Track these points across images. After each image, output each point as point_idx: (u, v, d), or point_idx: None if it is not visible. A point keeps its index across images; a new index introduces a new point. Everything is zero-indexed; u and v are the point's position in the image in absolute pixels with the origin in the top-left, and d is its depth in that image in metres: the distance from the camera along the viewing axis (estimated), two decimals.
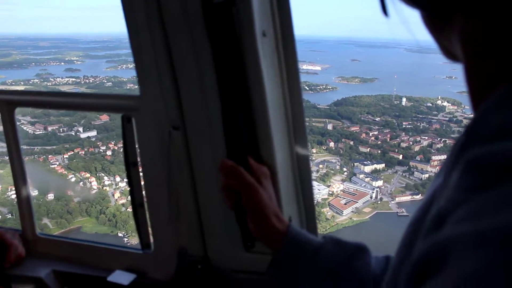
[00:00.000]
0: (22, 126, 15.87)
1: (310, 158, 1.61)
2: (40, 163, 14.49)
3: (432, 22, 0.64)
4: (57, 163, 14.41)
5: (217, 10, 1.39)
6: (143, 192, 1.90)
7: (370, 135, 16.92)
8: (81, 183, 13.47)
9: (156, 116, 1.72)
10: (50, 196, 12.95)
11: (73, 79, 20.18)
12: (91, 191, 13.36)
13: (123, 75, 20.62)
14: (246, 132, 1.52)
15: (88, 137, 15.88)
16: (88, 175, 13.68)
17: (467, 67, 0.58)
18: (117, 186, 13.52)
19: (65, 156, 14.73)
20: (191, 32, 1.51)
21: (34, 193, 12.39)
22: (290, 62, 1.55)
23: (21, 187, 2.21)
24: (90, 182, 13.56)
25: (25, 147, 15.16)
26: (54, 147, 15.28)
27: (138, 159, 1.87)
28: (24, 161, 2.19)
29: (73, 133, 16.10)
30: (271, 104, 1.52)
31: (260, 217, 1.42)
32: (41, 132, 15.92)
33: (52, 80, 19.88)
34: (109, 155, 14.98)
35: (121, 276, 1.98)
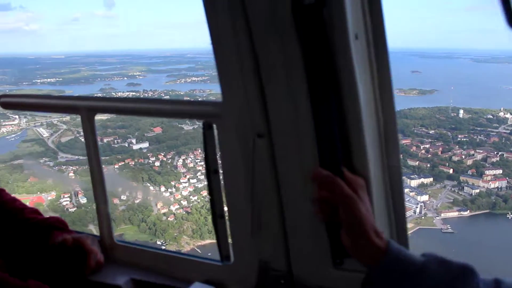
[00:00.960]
0: (81, 138, 17.16)
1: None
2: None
3: None
4: (107, 172, 15.33)
5: (308, 12, 1.37)
6: (224, 202, 1.89)
7: (421, 148, 16.54)
8: (127, 192, 14.25)
9: (239, 123, 1.69)
10: None
11: (133, 93, 21.32)
12: (135, 200, 14.12)
13: (181, 89, 21.62)
14: (340, 140, 1.47)
15: (140, 148, 16.75)
16: (135, 184, 14.48)
17: None
18: (161, 196, 14.19)
19: (115, 166, 15.65)
20: (280, 35, 1.47)
21: (83, 200, 13.42)
22: (382, 67, 1.48)
23: (99, 194, 2.25)
24: (136, 192, 14.35)
25: (81, 157, 16.40)
26: (107, 157, 16.26)
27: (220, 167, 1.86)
28: (102, 167, 2.25)
29: (126, 145, 17.03)
30: (364, 111, 1.47)
31: (358, 231, 1.36)
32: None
33: (114, 94, 21.11)
34: (157, 166, 15.72)
35: None
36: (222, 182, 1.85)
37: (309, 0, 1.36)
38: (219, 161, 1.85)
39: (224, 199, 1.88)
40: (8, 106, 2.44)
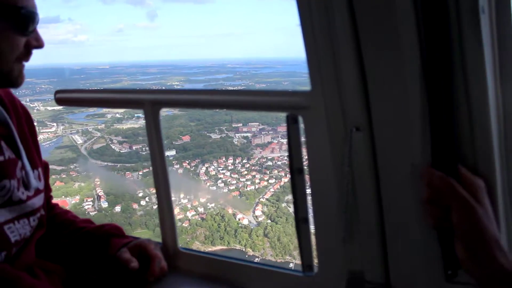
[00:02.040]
0: (112, 145, 18.08)
1: None
2: (116, 177, 16.33)
3: None
4: (132, 179, 16.05)
5: None
6: (310, 205, 1.70)
7: None
8: (147, 198, 14.84)
9: (331, 115, 1.50)
10: (117, 208, 14.48)
11: None
12: (154, 205, 14.67)
13: None
14: (459, 135, 1.30)
15: (167, 156, 17.27)
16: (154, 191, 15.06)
17: None
18: (179, 202, 14.67)
19: (139, 173, 16.33)
20: (390, 9, 1.26)
21: (104, 205, 14.14)
22: (506, 47, 1.28)
23: (163, 198, 2.13)
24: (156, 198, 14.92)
25: (110, 164, 17.26)
26: (133, 164, 16.98)
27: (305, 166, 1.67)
28: (168, 169, 2.09)
29: (164, 144, 17.69)
30: (492, 101, 1.27)
31: (476, 242, 1.19)
32: (125, 151, 17.84)
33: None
34: (180, 173, 16.25)
35: None
36: (308, 182, 1.67)
37: None
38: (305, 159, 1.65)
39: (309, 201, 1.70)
40: (63, 102, 2.27)
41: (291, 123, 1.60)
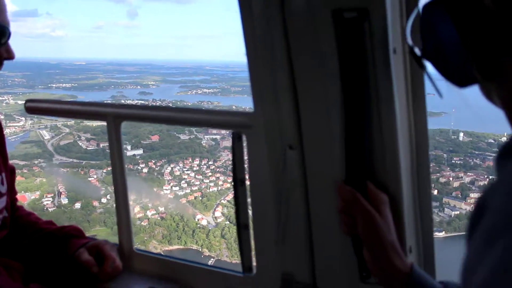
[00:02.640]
0: (79, 142, 18.07)
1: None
2: (80, 175, 16.33)
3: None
4: (95, 176, 16.09)
5: (349, 25, 1.41)
6: (250, 212, 1.90)
7: None
8: (108, 196, 14.91)
9: (270, 134, 1.72)
10: (77, 205, 14.53)
11: (141, 102, 22.05)
12: (113, 203, 14.76)
13: (191, 100, 22.31)
14: (369, 155, 1.53)
15: (134, 154, 17.38)
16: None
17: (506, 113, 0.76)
18: (140, 201, 14.77)
19: (104, 171, 16.37)
20: (318, 46, 1.50)
21: (64, 201, 14.17)
22: (417, 82, 1.53)
23: (121, 201, 2.26)
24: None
25: (75, 160, 17.26)
26: (99, 162, 17.00)
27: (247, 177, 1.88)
28: (126, 175, 2.24)
29: (124, 153, 17.66)
30: (400, 127, 1.50)
31: (377, 248, 1.41)
32: (92, 148, 17.85)
33: (123, 101, 21.91)
34: (144, 172, 16.34)
35: None
36: (248, 192, 1.88)
37: (350, 14, 1.40)
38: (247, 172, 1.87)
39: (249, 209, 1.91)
40: (33, 110, 2.47)
41: (236, 139, 1.83)
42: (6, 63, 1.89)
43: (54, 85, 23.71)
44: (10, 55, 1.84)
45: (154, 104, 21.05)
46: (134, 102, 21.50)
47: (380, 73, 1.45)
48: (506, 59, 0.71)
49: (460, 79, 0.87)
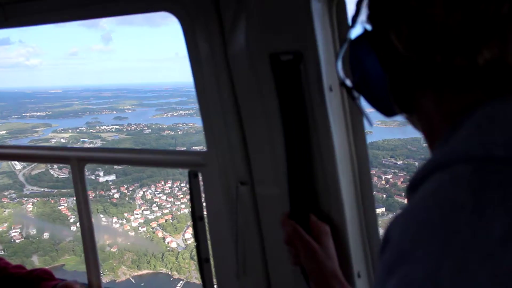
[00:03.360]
0: (51, 171, 18.12)
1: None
2: (50, 204, 16.37)
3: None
4: (65, 204, 16.12)
5: (285, 67, 1.52)
6: (209, 247, 1.99)
7: (383, 178, 16.72)
8: (78, 224, 14.96)
9: (223, 171, 1.83)
10: (46, 235, 14.55)
11: (117, 127, 22.21)
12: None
13: (166, 122, 22.45)
14: (311, 187, 1.63)
15: (107, 180, 17.45)
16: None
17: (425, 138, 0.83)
18: (110, 227, 14.82)
19: (74, 199, 16.40)
20: (260, 88, 1.61)
21: (33, 232, 14.21)
22: (355, 117, 1.65)
23: (88, 241, 2.39)
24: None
25: (46, 189, 17.29)
26: (69, 190, 17.03)
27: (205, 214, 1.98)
28: (91, 214, 2.40)
29: (93, 177, 17.76)
30: (339, 159, 1.60)
31: (318, 277, 1.50)
32: (63, 176, 17.89)
33: (98, 127, 22.03)
34: (116, 198, 16.41)
35: None
36: (207, 228, 1.98)
37: (287, 57, 1.52)
38: (204, 208, 1.98)
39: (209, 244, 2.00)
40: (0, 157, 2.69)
41: (192, 178, 1.93)
42: None
43: (28, 114, 23.79)
44: None
45: (128, 128, 21.36)
46: (109, 128, 21.75)
47: (317, 110, 1.55)
48: (419, 94, 0.78)
49: (386, 110, 0.91)
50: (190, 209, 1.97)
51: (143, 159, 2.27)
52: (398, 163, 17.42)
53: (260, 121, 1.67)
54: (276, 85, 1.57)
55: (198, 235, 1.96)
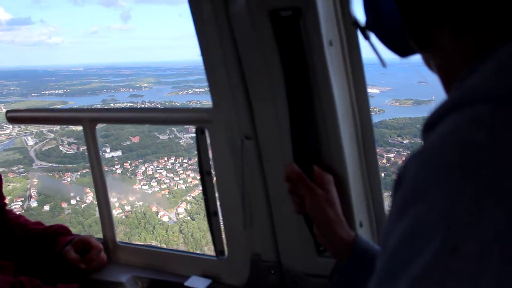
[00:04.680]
0: (60, 147, 18.92)
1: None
2: (55, 179, 17.16)
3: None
4: (69, 179, 16.88)
5: (285, 23, 1.55)
6: (217, 201, 2.09)
7: (384, 157, 16.70)
8: (78, 197, 15.70)
9: (228, 127, 1.90)
10: (46, 207, 15.34)
11: (131, 104, 22.79)
12: (82, 204, 15.53)
13: (180, 100, 22.92)
14: (313, 139, 1.68)
15: (112, 156, 18.09)
16: (88, 190, 15.89)
17: (441, 80, 0.83)
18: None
19: (78, 173, 17.14)
20: (261, 44, 1.65)
21: (33, 204, 14.99)
22: (356, 70, 1.69)
23: (102, 199, 2.49)
24: (86, 197, 15.76)
25: (54, 164, 18.10)
26: (75, 165, 17.78)
27: (212, 169, 2.06)
28: (105, 174, 2.48)
29: (100, 153, 18.38)
30: (340, 112, 1.65)
31: (322, 222, 1.55)
32: (71, 152, 18.65)
33: (112, 105, 22.66)
34: (118, 173, 17.04)
35: (197, 281, 2.17)
36: (215, 182, 2.08)
37: (286, 12, 1.55)
38: (212, 164, 2.06)
39: (217, 198, 2.10)
40: (14, 120, 2.71)
41: (199, 134, 2.03)
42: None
43: (47, 92, 24.67)
44: None
45: (141, 105, 21.89)
46: (123, 105, 22.34)
47: (317, 64, 1.59)
48: (436, 30, 0.76)
49: (401, 49, 0.92)
50: (198, 165, 2.07)
51: (150, 117, 2.36)
52: (404, 142, 17.31)
53: (263, 77, 1.72)
54: (276, 41, 1.61)
55: (206, 189, 2.08)
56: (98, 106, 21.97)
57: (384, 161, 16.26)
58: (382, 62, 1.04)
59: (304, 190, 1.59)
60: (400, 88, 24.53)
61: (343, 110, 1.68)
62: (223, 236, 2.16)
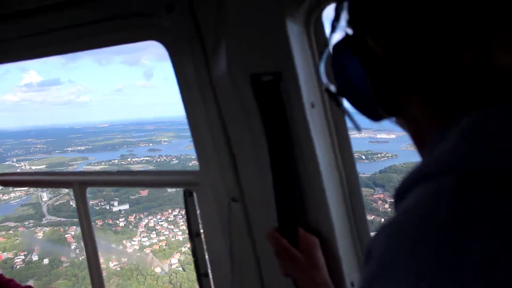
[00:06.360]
0: (70, 202, 19.88)
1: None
2: (58, 232, 18.02)
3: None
4: (72, 232, 17.69)
5: (266, 87, 1.61)
6: (207, 262, 2.08)
7: (387, 202, 16.69)
8: (77, 250, 16.45)
9: (215, 190, 1.93)
10: (46, 261, 16.14)
11: (148, 158, 23.72)
12: (80, 257, 16.25)
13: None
14: (298, 201, 1.71)
15: (119, 210, 18.85)
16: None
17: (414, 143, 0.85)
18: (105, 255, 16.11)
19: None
20: (243, 108, 1.69)
21: (34, 258, 15.84)
22: (340, 131, 1.72)
23: (92, 263, 2.49)
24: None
25: (62, 219, 19.01)
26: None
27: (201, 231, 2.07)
28: (95, 237, 2.49)
29: (108, 207, 19.24)
30: (324, 172, 1.68)
31: (306, 286, 1.59)
32: None
33: (130, 159, 23.66)
34: (120, 226, 17.77)
35: None
36: (204, 243, 2.09)
37: (267, 78, 1.60)
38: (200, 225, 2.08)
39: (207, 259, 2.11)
40: (7, 183, 2.79)
41: (188, 196, 2.05)
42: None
43: (70, 149, 25.87)
44: None
45: (158, 160, 22.76)
46: (140, 159, 23.34)
47: (299, 126, 1.63)
48: (404, 97, 0.78)
49: (372, 114, 0.92)
50: (187, 227, 2.08)
51: (140, 180, 2.44)
52: None
53: (247, 139, 1.76)
54: (258, 105, 1.65)
55: (196, 251, 2.08)
56: (116, 161, 23.25)
57: (386, 206, 16.21)
58: (357, 127, 1.03)
59: (285, 256, 1.63)
60: None
61: (328, 171, 1.71)
62: None
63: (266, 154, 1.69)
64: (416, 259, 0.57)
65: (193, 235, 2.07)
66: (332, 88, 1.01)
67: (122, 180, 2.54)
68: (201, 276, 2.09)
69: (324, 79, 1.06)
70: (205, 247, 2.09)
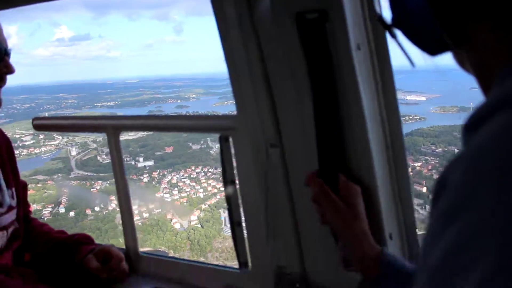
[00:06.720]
0: (98, 157, 20.43)
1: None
2: (86, 186, 18.64)
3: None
4: (98, 187, 18.26)
5: (311, 26, 1.55)
6: (241, 211, 2.05)
7: (410, 166, 16.57)
8: (102, 204, 17.02)
9: (253, 135, 1.88)
10: (71, 214, 16.77)
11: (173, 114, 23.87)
12: (104, 211, 16.82)
13: (224, 110, 23.82)
14: (340, 147, 1.66)
15: (144, 166, 19.28)
16: (112, 198, 17.17)
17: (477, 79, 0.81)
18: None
19: (107, 182, 18.47)
20: (286, 49, 1.65)
21: (61, 210, 16.48)
22: (385, 75, 1.66)
23: (124, 208, 2.47)
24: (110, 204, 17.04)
25: (89, 173, 19.60)
26: (106, 174, 19.12)
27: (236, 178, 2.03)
28: (128, 182, 2.44)
29: (133, 163, 19.69)
30: (368, 119, 1.63)
31: (346, 238, 1.56)
32: (107, 161, 20.03)
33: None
34: (144, 182, 18.21)
35: None
36: (238, 191, 2.05)
37: (312, 15, 1.54)
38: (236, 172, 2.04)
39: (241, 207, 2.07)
40: (40, 127, 2.76)
41: (223, 142, 2.00)
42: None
43: (99, 104, 26.31)
44: (9, 70, 2.02)
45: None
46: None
47: (344, 69, 1.58)
48: (470, 25, 0.74)
49: (429, 47, 0.89)
50: (221, 174, 2.05)
51: (174, 124, 2.40)
52: (437, 150, 17.07)
53: (288, 83, 1.71)
54: (302, 45, 1.60)
55: (230, 198, 2.06)
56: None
57: (409, 169, 16.06)
58: (411, 62, 1.00)
59: (325, 202, 1.58)
60: (449, 94, 23.79)
61: (372, 117, 1.65)
62: (247, 247, 2.12)
63: (309, 98, 1.66)
64: (506, 190, 0.53)
65: (227, 182, 2.04)
66: (387, 19, 0.98)
67: (156, 124, 2.52)
68: (235, 225, 2.07)
69: (378, 7, 1.04)
70: (239, 195, 2.06)
